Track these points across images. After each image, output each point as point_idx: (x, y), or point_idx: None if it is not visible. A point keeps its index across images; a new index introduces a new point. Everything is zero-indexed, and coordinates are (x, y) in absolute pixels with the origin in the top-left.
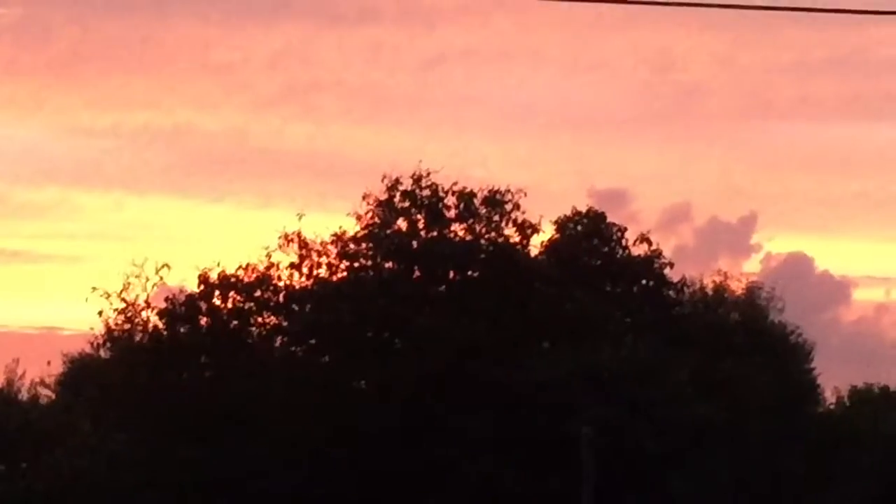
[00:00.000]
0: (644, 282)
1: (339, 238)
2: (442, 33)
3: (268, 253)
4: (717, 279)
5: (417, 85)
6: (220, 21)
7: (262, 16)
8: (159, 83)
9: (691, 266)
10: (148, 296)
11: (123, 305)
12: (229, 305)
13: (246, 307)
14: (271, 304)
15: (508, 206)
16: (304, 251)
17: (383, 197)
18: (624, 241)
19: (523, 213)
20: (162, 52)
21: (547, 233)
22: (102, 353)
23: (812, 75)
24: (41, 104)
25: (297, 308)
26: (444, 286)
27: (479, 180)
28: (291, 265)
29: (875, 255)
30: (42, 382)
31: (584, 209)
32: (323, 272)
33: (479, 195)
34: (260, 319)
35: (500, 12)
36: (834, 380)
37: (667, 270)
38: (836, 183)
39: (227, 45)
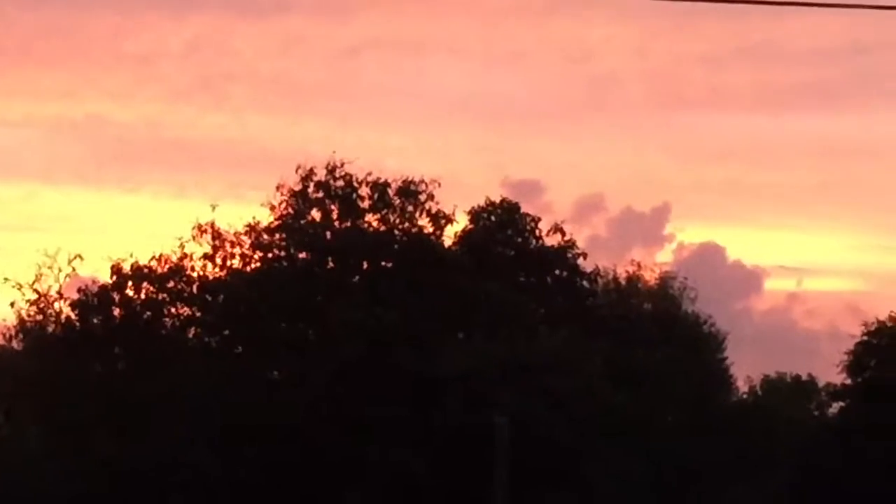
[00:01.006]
0: (558, 272)
1: (252, 229)
2: (356, 23)
3: (181, 244)
4: (631, 269)
5: (332, 75)
6: (133, 12)
7: (176, 6)
8: (73, 74)
9: (605, 256)
10: (60, 287)
11: (36, 296)
12: (142, 296)
13: (159, 298)
14: (185, 294)
15: (422, 197)
16: (217, 242)
17: (297, 188)
18: (538, 232)
19: (437, 203)
20: (75, 43)
21: (461, 223)
22: (15, 344)
23: (724, 66)
24: None
25: (210, 299)
26: (358, 277)
27: (393, 171)
28: (205, 256)
29: (787, 244)
30: None
31: (497, 200)
32: (237, 263)
33: (394, 186)
34: (173, 310)
35: (415, 2)
36: (746, 369)
37: (580, 261)
38: (748, 173)
39: (141, 36)
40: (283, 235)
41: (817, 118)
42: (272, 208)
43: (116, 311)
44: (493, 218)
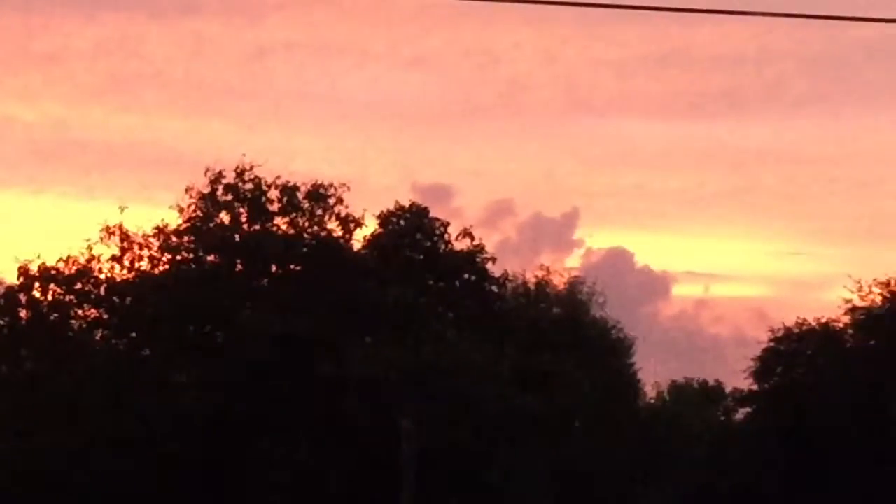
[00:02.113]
0: (466, 277)
1: (161, 231)
2: (265, 27)
3: (89, 245)
4: (540, 274)
5: (241, 78)
6: (41, 11)
7: (84, 6)
8: None
9: (514, 261)
10: None
11: None
12: (49, 298)
13: (66, 300)
14: (92, 296)
15: (332, 201)
16: (125, 244)
17: (206, 190)
18: (447, 236)
19: (346, 207)
20: None
21: (370, 227)
22: None
23: (634, 72)
24: None
25: (118, 301)
26: (266, 280)
27: (303, 174)
28: (113, 258)
29: (695, 250)
30: None
31: (407, 204)
32: (145, 265)
33: (303, 189)
34: (80, 312)
35: (324, 6)
36: (654, 374)
37: (489, 265)
38: (657, 179)
39: (49, 36)
40: (192, 238)
41: (726, 125)
42: (181, 211)
43: (23, 313)
44: (402, 222)
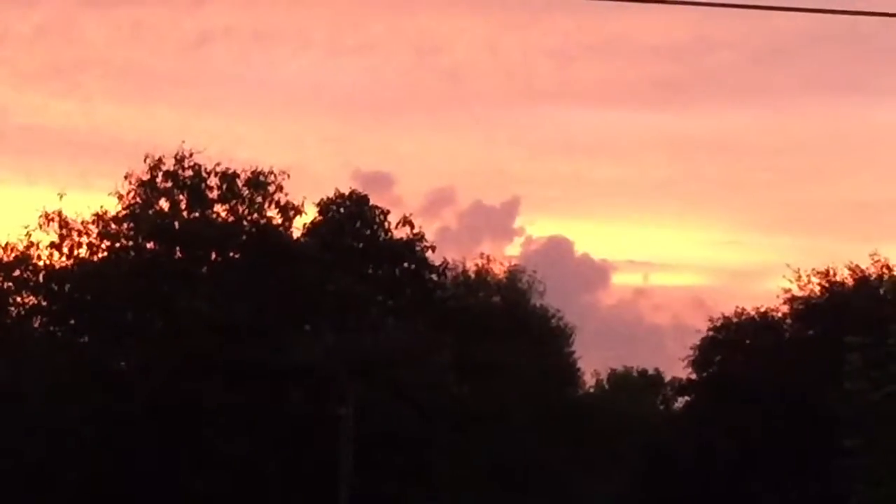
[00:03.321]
0: (406, 265)
1: (100, 218)
2: (206, 12)
3: (28, 232)
4: (480, 262)
5: (181, 64)
6: None
7: None
8: None
9: (455, 249)
10: None
11: None
12: None
13: (4, 287)
14: (31, 283)
15: (271, 188)
16: (64, 230)
17: (145, 177)
18: (387, 224)
19: (286, 194)
20: None
21: (310, 215)
22: None
23: (574, 60)
24: None
25: (56, 288)
26: (205, 267)
27: (243, 161)
28: (52, 244)
29: (634, 239)
30: None
31: (347, 191)
32: (84, 252)
33: (242, 176)
34: (19, 299)
35: None
36: (594, 363)
37: (429, 253)
38: (597, 168)
39: None
40: (131, 225)
41: (664, 114)
42: (120, 197)
43: None
44: (342, 210)
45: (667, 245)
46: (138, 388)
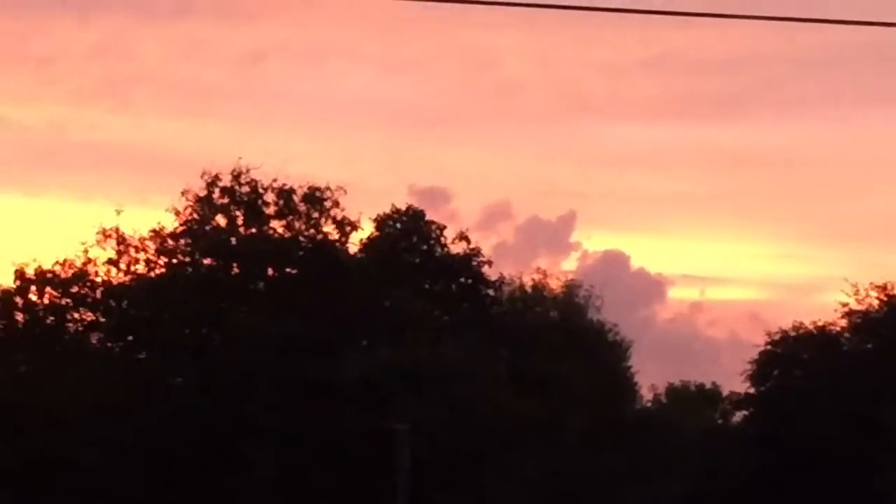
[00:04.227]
0: (462, 280)
1: (157, 234)
2: (261, 29)
3: (85, 248)
4: (536, 277)
5: (236, 80)
6: (37, 13)
7: (80, 8)
8: None
9: (511, 264)
10: None
11: None
12: (45, 301)
13: (62, 303)
14: (88, 300)
15: (328, 204)
16: (122, 247)
17: (202, 193)
18: (443, 240)
19: (343, 210)
20: None
21: (366, 230)
22: None
23: (630, 75)
24: None
25: (114, 304)
26: (262, 283)
27: (299, 177)
28: (109, 261)
29: (690, 253)
30: None
31: (403, 207)
32: (141, 268)
33: (299, 192)
34: (76, 315)
35: (320, 8)
36: (650, 377)
37: (485, 268)
38: (653, 182)
39: (45, 38)
40: (188, 241)
41: (720, 127)
42: (177, 213)
43: (19, 316)
44: (398, 225)
45: (723, 259)
46: (194, 404)
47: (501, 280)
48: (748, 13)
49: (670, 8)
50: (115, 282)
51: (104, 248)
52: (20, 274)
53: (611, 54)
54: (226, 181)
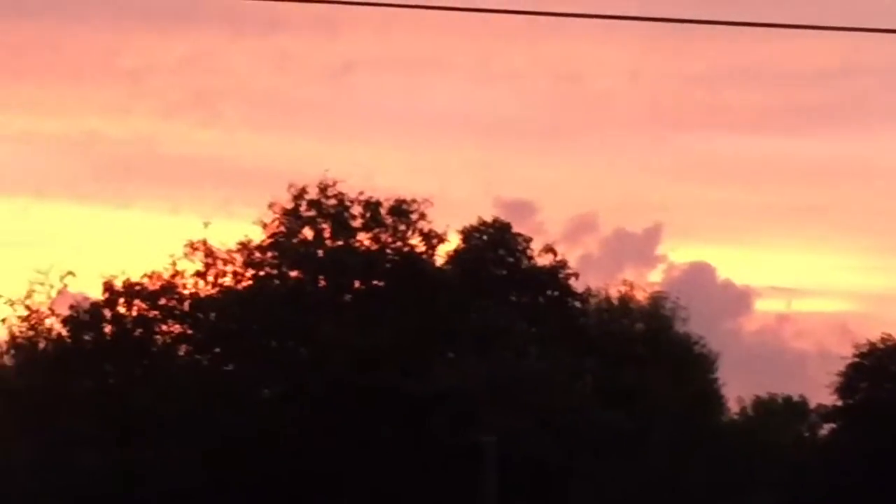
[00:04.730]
0: (549, 292)
1: (244, 246)
2: (348, 42)
3: (173, 261)
4: (623, 289)
5: (324, 93)
6: (127, 27)
7: (169, 22)
8: (66, 89)
9: (597, 276)
10: (52, 303)
11: (27, 313)
12: (134, 313)
13: (150, 315)
14: (176, 312)
15: (414, 216)
16: (209, 259)
17: (289, 206)
18: (529, 252)
19: (429, 222)
20: (69, 59)
21: (452, 242)
22: (6, 360)
23: (718, 86)
24: None
25: (201, 316)
26: (349, 295)
27: (385, 190)
28: (197, 273)
29: (777, 265)
30: None
31: (489, 219)
32: (228, 280)
33: (385, 205)
34: (164, 327)
35: (407, 21)
36: (737, 389)
37: (572, 281)
38: (740, 193)
39: (135, 52)
40: (275, 253)
41: (808, 138)
42: (264, 226)
43: (108, 328)
44: (484, 237)
45: (810, 271)
46: (282, 416)
47: (588, 292)
48: (839, 25)
49: (761, 20)
50: (202, 294)
51: (192, 261)
52: (109, 286)
53: (700, 66)
54: (313, 194)
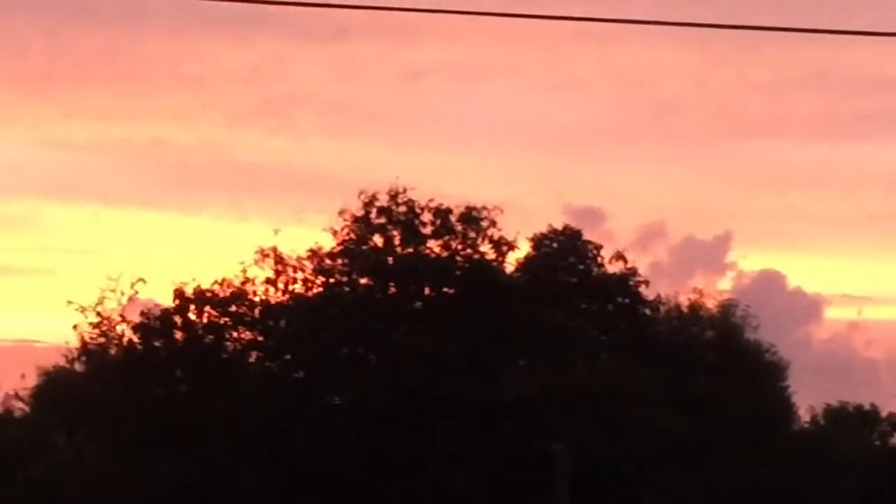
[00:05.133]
0: (619, 299)
1: (315, 253)
2: (417, 48)
3: (244, 268)
4: (692, 297)
5: (393, 100)
6: (195, 34)
7: (237, 29)
8: (135, 96)
9: (666, 284)
10: (123, 310)
11: (98, 320)
12: (204, 320)
13: (221, 322)
14: (247, 319)
15: (484, 223)
16: (280, 266)
17: (359, 213)
18: (599, 259)
19: (499, 229)
20: (138, 66)
21: (523, 250)
22: (77, 366)
23: (786, 93)
24: (17, 117)
25: (272, 323)
26: (419, 303)
27: (456, 197)
28: (267, 280)
29: (847, 273)
30: (16, 395)
31: (559, 226)
32: (299, 287)
33: (456, 212)
34: (235, 334)
35: (476, 28)
36: (808, 398)
37: (642, 288)
38: (810, 201)
39: (203, 59)
40: (346, 261)
41: (878, 145)
42: (334, 233)
43: (178, 335)
44: (555, 245)
45: (881, 278)
46: (353, 423)
47: (658, 300)
48: None
49: (831, 26)
50: (272, 301)
51: (262, 268)
52: (179, 293)
53: (769, 73)
54: (383, 201)
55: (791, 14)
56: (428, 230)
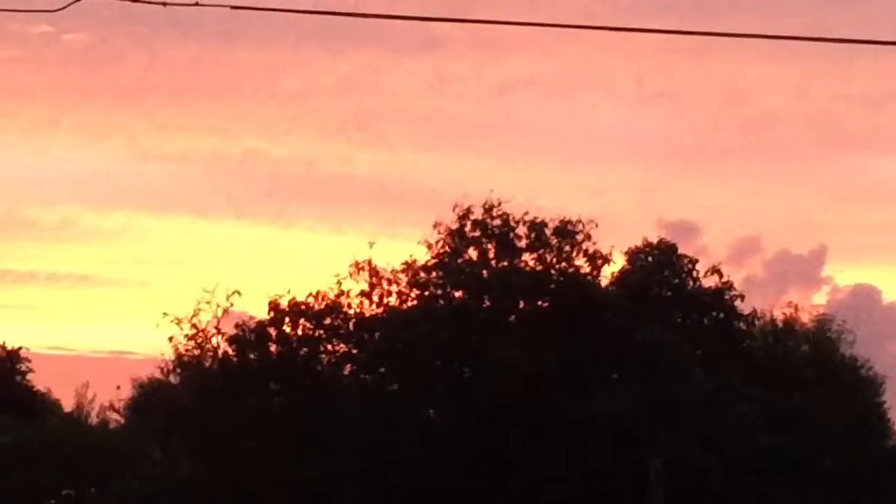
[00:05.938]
0: (715, 314)
1: (409, 266)
2: (509, 61)
3: (338, 280)
4: (788, 312)
5: (485, 113)
6: (287, 48)
7: (329, 43)
8: (228, 109)
9: (761, 298)
10: (218, 322)
11: (194, 331)
12: (299, 332)
13: (316, 334)
14: (341, 331)
15: (579, 237)
16: (374, 279)
17: (454, 226)
18: (695, 273)
19: (594, 243)
20: (231, 79)
21: (618, 263)
22: (172, 378)
23: (882, 107)
24: (110, 129)
25: (367, 336)
26: (514, 316)
27: (550, 210)
28: (362, 293)
29: None
30: (111, 407)
31: (654, 240)
32: (393, 300)
33: (550, 225)
34: (330, 347)
35: (568, 41)
36: None
37: (737, 303)
38: None
39: (295, 73)
40: (440, 273)
41: None
42: (429, 246)
43: (273, 347)
44: (650, 259)
45: None
46: (446, 436)
47: (753, 314)
48: None
49: None
50: (367, 314)
51: (357, 281)
52: (274, 306)
53: (864, 86)
54: (477, 214)
55: (888, 27)
56: (523, 243)
